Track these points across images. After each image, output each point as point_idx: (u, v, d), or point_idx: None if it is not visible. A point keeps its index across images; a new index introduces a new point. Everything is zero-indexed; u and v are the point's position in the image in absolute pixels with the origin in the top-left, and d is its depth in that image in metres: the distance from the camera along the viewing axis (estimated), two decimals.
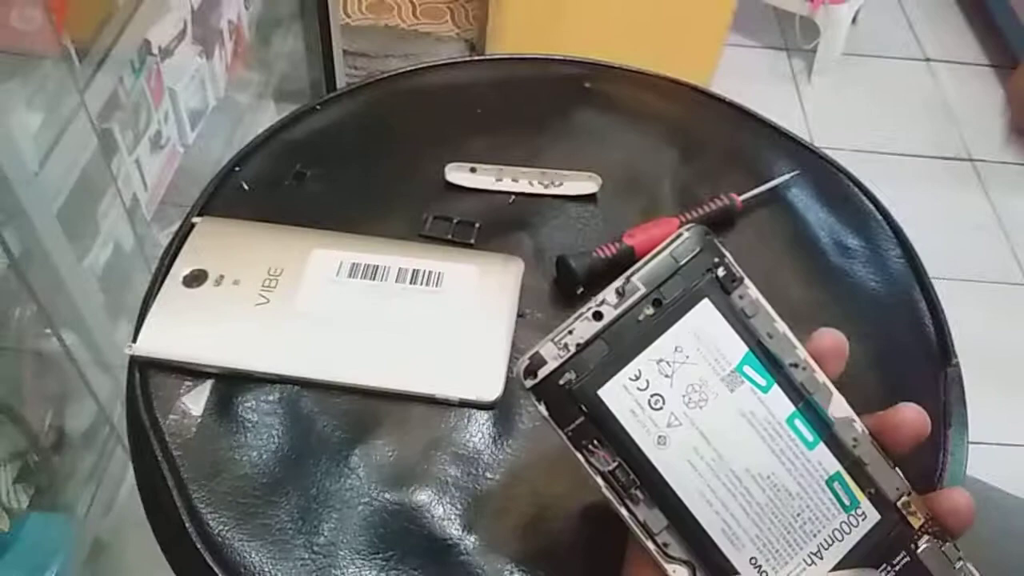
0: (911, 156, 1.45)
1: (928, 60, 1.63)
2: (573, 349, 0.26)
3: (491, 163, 0.45)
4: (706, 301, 0.27)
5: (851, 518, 0.27)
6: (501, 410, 0.36)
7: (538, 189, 0.45)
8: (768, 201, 0.45)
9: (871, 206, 0.46)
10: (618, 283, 0.26)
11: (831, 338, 0.28)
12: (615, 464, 0.26)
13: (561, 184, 0.45)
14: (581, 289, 0.40)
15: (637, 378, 0.26)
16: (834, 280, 0.42)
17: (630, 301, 0.26)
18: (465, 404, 0.36)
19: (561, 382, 0.26)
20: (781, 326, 0.27)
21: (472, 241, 0.42)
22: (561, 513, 0.34)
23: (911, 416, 0.28)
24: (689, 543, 0.26)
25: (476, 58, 0.54)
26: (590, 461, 0.26)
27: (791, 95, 1.53)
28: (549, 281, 0.41)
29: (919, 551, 0.27)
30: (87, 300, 0.70)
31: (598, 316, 0.26)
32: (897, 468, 0.28)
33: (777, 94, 1.51)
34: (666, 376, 0.26)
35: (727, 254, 0.27)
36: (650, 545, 0.26)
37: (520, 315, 0.39)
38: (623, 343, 0.26)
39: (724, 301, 0.27)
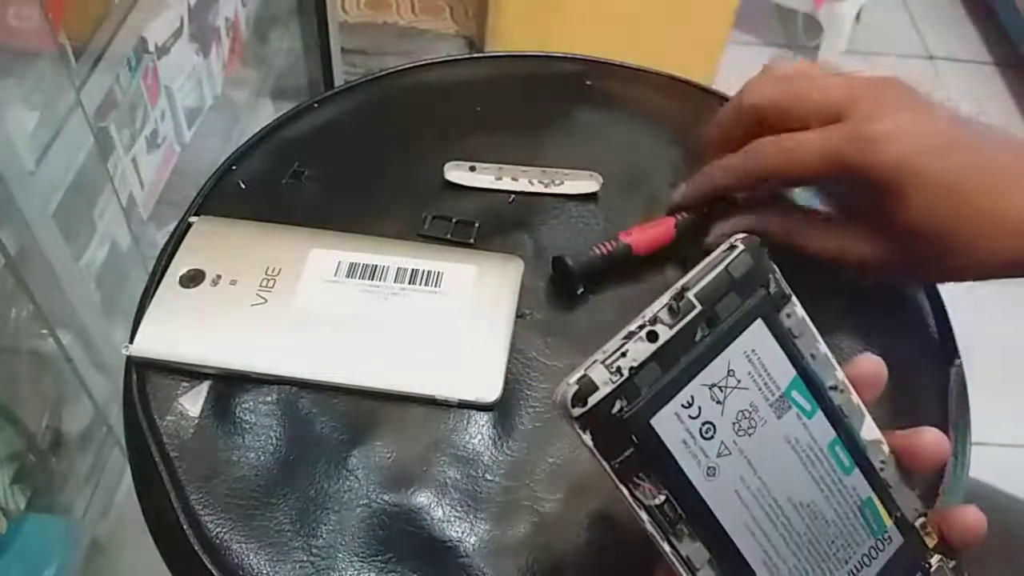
0: None
1: (932, 58, 1.62)
2: (627, 373, 0.23)
3: (491, 162, 0.44)
4: (760, 321, 0.25)
5: (879, 543, 0.27)
6: (501, 411, 0.36)
7: (538, 188, 0.44)
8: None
9: None
10: (669, 299, 0.24)
11: (871, 364, 0.28)
12: (663, 498, 0.24)
13: (561, 183, 0.44)
14: (581, 289, 0.40)
15: (690, 405, 0.24)
16: (836, 280, 0.42)
17: (686, 320, 0.24)
18: (464, 405, 0.36)
19: (613, 411, 0.23)
20: (823, 346, 0.26)
21: (471, 240, 0.42)
22: (561, 515, 0.33)
23: (933, 441, 0.27)
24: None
25: (475, 55, 0.54)
26: (635, 495, 0.24)
27: None
28: (549, 281, 0.41)
29: (932, 570, 0.27)
30: (83, 300, 0.70)
31: (652, 336, 0.23)
32: (915, 489, 0.27)
33: None
34: (718, 403, 0.24)
35: (776, 269, 0.26)
36: None
37: (520, 315, 0.39)
38: (677, 367, 0.24)
39: (775, 321, 0.25)
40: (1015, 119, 1.52)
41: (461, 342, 0.37)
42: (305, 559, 0.32)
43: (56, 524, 0.71)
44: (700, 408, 0.24)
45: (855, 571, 0.26)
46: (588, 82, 0.50)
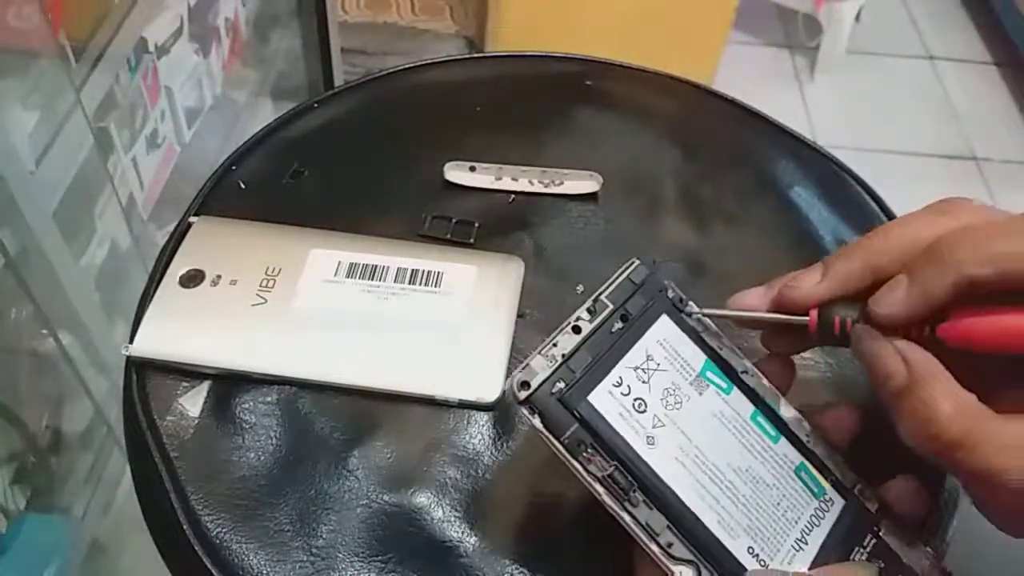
0: (915, 154, 1.45)
1: (932, 58, 1.62)
2: (560, 359, 0.28)
3: (491, 162, 0.44)
4: (664, 316, 0.30)
5: (823, 503, 0.29)
6: (501, 411, 0.36)
7: (538, 188, 0.44)
8: (770, 200, 0.45)
9: (874, 205, 0.46)
10: (588, 303, 0.29)
11: (842, 414, 0.31)
12: (612, 468, 0.27)
13: (561, 183, 0.44)
14: (581, 288, 0.40)
15: (620, 384, 0.28)
16: None
17: (602, 316, 0.29)
18: (464, 405, 0.36)
19: (553, 391, 0.27)
20: (727, 342, 0.31)
21: (471, 240, 0.42)
22: (561, 514, 0.33)
23: (841, 416, 0.30)
24: (690, 540, 0.27)
25: (476, 55, 0.54)
26: (587, 468, 0.27)
27: (794, 93, 1.52)
28: (549, 281, 0.41)
29: (882, 532, 0.29)
30: (83, 300, 0.70)
31: (577, 329, 0.29)
32: (846, 460, 0.30)
33: (780, 92, 1.51)
34: (644, 382, 0.29)
35: (671, 282, 0.31)
36: (654, 548, 0.27)
37: (520, 315, 0.39)
38: (602, 353, 0.28)
39: (678, 317, 0.30)
40: (1015, 119, 1.52)
41: (461, 342, 0.37)
42: (305, 559, 0.32)
43: (56, 524, 0.71)
44: (629, 387, 0.28)
45: (807, 529, 0.29)
46: (588, 82, 0.50)
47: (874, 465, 0.31)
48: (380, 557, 0.32)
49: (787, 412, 0.30)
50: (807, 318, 0.30)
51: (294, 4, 1.09)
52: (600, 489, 0.27)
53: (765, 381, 0.31)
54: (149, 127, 0.78)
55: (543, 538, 0.33)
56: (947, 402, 0.26)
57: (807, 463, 0.29)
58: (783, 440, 0.30)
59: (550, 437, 0.27)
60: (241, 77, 1.04)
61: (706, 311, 0.31)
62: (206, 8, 0.87)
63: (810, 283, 0.30)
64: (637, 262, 0.30)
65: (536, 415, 0.27)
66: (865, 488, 0.30)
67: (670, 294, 0.30)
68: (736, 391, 0.30)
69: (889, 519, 0.30)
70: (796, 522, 0.28)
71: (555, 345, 0.28)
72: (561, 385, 0.27)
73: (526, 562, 0.32)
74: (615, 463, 0.27)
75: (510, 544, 0.33)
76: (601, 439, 0.27)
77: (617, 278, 0.30)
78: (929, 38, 1.66)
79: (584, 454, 0.27)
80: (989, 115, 1.51)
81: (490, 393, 0.36)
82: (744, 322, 0.32)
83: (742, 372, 0.30)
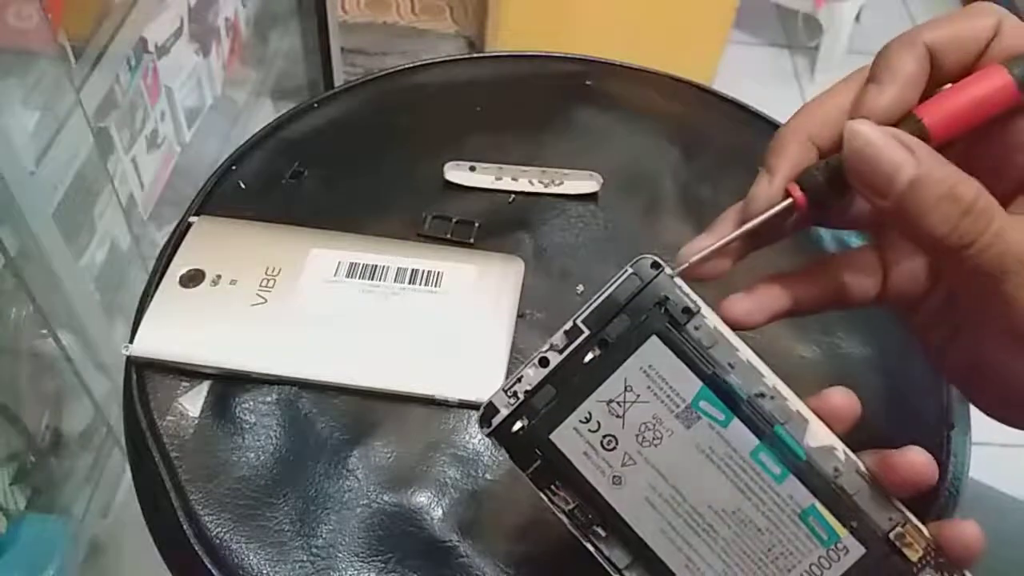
0: None
1: None
2: (522, 396, 0.27)
3: (491, 162, 0.44)
4: (654, 338, 0.26)
5: (831, 552, 0.26)
6: None
7: (538, 188, 0.44)
8: None
9: None
10: (567, 325, 0.27)
11: (840, 399, 0.27)
12: (575, 504, 0.27)
13: (562, 183, 0.44)
14: (581, 288, 0.40)
15: (587, 420, 0.27)
16: None
17: (574, 345, 0.27)
18: (464, 405, 0.36)
19: (514, 429, 0.27)
20: (745, 354, 0.27)
21: (472, 240, 0.42)
22: None
23: (917, 462, 0.25)
24: None
25: (476, 55, 0.54)
26: (553, 501, 0.27)
27: (794, 93, 1.52)
28: (549, 281, 0.41)
29: None
30: (83, 300, 0.70)
31: (544, 362, 0.27)
32: (893, 497, 0.26)
33: (780, 92, 1.51)
34: (617, 416, 0.26)
35: (681, 284, 0.27)
36: None
37: (520, 315, 0.39)
38: (571, 387, 0.27)
39: (675, 336, 0.26)
40: None
41: (461, 342, 0.37)
42: (305, 559, 0.32)
43: (56, 524, 0.71)
44: (599, 423, 0.26)
45: None
46: (588, 82, 0.50)
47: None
48: (380, 557, 0.32)
49: (815, 440, 0.26)
50: (790, 200, 0.27)
51: (294, 4, 1.09)
52: (565, 520, 0.27)
53: (792, 403, 0.26)
54: (149, 127, 0.78)
55: (543, 538, 0.33)
56: (966, 178, 0.24)
57: (819, 506, 0.26)
58: (791, 479, 0.26)
59: (518, 468, 0.27)
60: (241, 77, 1.04)
61: (690, 260, 0.28)
62: (206, 8, 0.87)
63: (764, 187, 0.28)
64: (630, 270, 0.27)
65: (501, 448, 0.27)
66: (909, 533, 0.26)
67: (671, 305, 0.27)
68: (736, 423, 0.26)
69: (938, 566, 0.26)
70: (789, 570, 0.26)
71: (519, 380, 0.27)
72: (523, 423, 0.27)
73: (526, 562, 0.32)
74: (578, 499, 0.27)
75: (510, 544, 0.33)
76: (563, 477, 0.27)
77: (603, 292, 0.27)
78: None
79: (550, 488, 0.27)
80: None
81: (490, 393, 0.36)
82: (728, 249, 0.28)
83: (758, 395, 0.26)
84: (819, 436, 0.26)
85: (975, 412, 0.39)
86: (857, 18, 1.52)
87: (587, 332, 0.27)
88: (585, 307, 0.27)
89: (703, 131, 0.48)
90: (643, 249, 0.28)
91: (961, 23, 0.27)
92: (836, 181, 0.26)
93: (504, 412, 0.27)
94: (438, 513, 0.33)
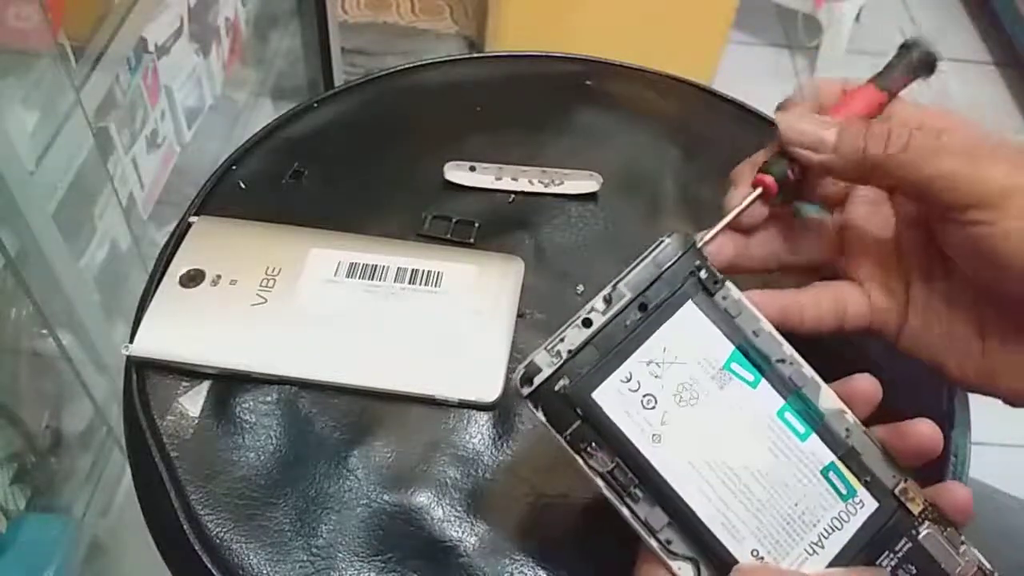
0: None
1: None
2: (565, 355, 0.27)
3: (491, 162, 0.44)
4: (690, 303, 0.28)
5: (849, 506, 0.28)
6: (501, 411, 0.36)
7: (538, 188, 0.44)
8: None
9: None
10: (606, 291, 0.28)
11: (866, 384, 0.29)
12: (613, 464, 0.27)
13: (562, 183, 0.44)
14: (581, 288, 0.40)
15: (628, 380, 0.27)
16: None
17: (617, 307, 0.28)
18: (464, 405, 0.36)
19: (556, 388, 0.27)
20: (765, 324, 0.29)
21: (472, 240, 0.42)
22: (562, 514, 0.33)
23: (925, 430, 0.28)
24: (691, 539, 0.27)
25: (476, 55, 0.54)
26: (589, 464, 0.27)
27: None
28: (549, 281, 0.41)
29: (920, 536, 0.28)
30: (83, 300, 0.70)
31: (587, 323, 0.28)
32: (892, 456, 0.28)
33: (780, 92, 1.50)
34: (656, 377, 0.28)
35: (708, 257, 0.29)
36: (653, 543, 0.27)
37: (520, 315, 0.39)
38: (613, 347, 0.28)
39: (708, 302, 0.28)
40: (1015, 119, 1.52)
41: (461, 342, 0.37)
42: (305, 559, 0.32)
43: (56, 524, 0.71)
44: (639, 382, 0.27)
45: (825, 534, 0.27)
46: (588, 82, 0.50)
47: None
48: (380, 557, 0.32)
49: (827, 404, 0.28)
50: (760, 190, 0.31)
51: (294, 4, 1.09)
52: (601, 483, 0.27)
53: (807, 370, 0.29)
54: (149, 127, 0.78)
55: (543, 538, 0.33)
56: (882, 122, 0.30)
57: (838, 462, 0.28)
58: (813, 437, 0.28)
59: (553, 431, 0.27)
60: (241, 77, 1.04)
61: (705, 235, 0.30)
62: (206, 8, 0.87)
63: (733, 191, 0.32)
64: (667, 240, 0.29)
65: (539, 409, 0.27)
66: (911, 488, 0.28)
67: (703, 275, 0.28)
68: (764, 384, 0.28)
69: (935, 520, 0.28)
70: (814, 525, 0.27)
71: (562, 340, 0.27)
72: (565, 382, 0.27)
73: (526, 562, 0.32)
74: (616, 460, 0.27)
75: (510, 544, 0.33)
76: (603, 436, 0.27)
77: (642, 260, 0.28)
78: (929, 38, 1.66)
79: (587, 449, 0.27)
80: (989, 115, 1.51)
81: (490, 393, 0.36)
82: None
83: (778, 360, 0.28)
84: (831, 400, 0.29)
85: (975, 412, 0.39)
86: (857, 18, 1.52)
87: (629, 295, 0.28)
88: (625, 273, 0.28)
89: (703, 131, 0.48)
90: (643, 249, 0.29)
91: None
92: (790, 161, 0.31)
93: (548, 371, 0.27)
94: (438, 513, 0.33)
